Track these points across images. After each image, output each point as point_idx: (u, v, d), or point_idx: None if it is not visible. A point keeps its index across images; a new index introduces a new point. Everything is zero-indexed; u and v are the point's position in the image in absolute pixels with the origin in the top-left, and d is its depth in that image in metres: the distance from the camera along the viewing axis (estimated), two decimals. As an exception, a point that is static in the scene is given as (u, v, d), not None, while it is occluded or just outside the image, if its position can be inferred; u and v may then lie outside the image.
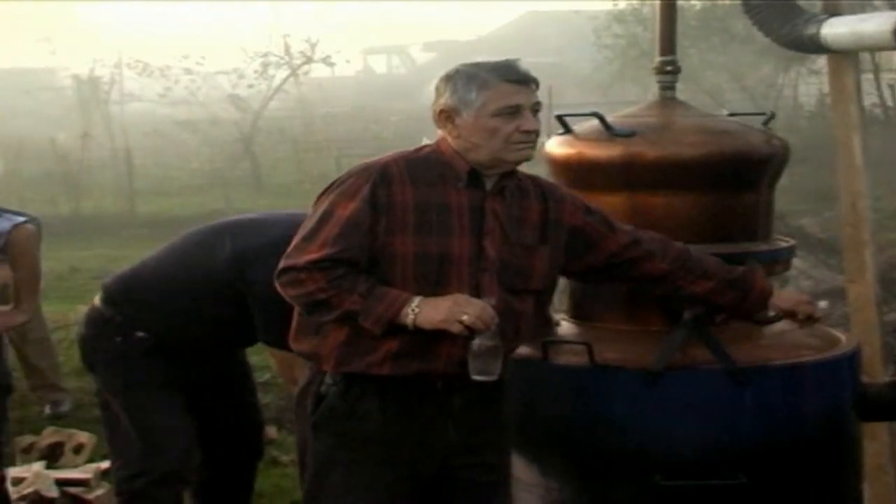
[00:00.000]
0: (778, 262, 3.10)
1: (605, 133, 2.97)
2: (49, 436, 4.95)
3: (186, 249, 3.35)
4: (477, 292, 2.52)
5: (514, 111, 2.53)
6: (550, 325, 3.06)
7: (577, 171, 3.05)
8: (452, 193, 2.56)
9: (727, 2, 16.84)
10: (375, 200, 2.50)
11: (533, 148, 2.58)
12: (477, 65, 2.61)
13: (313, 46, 18.38)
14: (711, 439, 2.83)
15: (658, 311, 2.92)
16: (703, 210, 2.97)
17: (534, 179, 2.72)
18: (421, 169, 2.57)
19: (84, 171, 15.04)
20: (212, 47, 20.83)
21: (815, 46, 3.84)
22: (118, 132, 16.64)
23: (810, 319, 2.85)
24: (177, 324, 3.31)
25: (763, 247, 3.04)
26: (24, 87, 20.32)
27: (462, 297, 2.47)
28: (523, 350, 2.97)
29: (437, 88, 2.61)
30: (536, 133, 2.56)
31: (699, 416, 2.83)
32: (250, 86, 18.37)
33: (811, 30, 3.80)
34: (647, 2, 17.59)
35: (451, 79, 2.58)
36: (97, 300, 3.42)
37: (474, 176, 2.57)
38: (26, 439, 4.95)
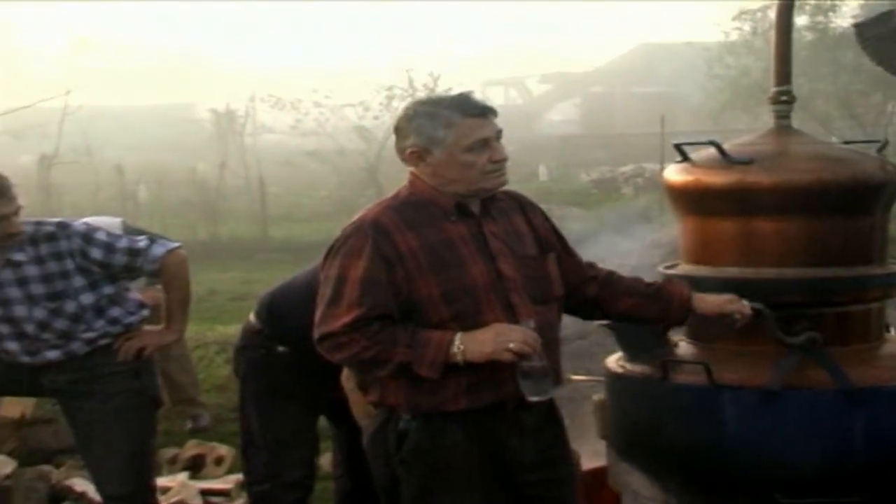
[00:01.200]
0: (894, 285, 3.12)
1: (722, 160, 3.03)
2: (192, 448, 5.18)
3: (319, 268, 3.54)
4: (512, 312, 2.56)
5: (484, 144, 2.59)
6: (668, 345, 3.17)
7: (694, 197, 3.13)
8: (449, 227, 2.60)
9: (837, 31, 16.61)
10: (382, 253, 2.52)
11: (504, 174, 2.64)
12: (432, 102, 2.67)
13: (435, 80, 18.67)
14: (829, 458, 2.87)
15: (774, 333, 2.96)
16: (819, 235, 3.00)
17: (508, 194, 2.76)
18: (410, 214, 2.59)
19: (221, 199, 15.70)
20: (339, 81, 21.39)
21: (929, 74, 3.85)
22: (252, 162, 17.22)
23: (743, 318, 2.83)
24: (310, 339, 3.49)
25: (878, 270, 3.07)
26: (167, 121, 21.17)
27: (503, 326, 2.51)
28: (644, 370, 3.08)
29: (400, 129, 2.64)
30: (506, 160, 2.64)
31: (816, 435, 2.87)
32: (375, 117, 18.71)
33: (925, 58, 3.81)
34: (758, 27, 17.45)
35: (412, 119, 2.61)
36: (252, 313, 3.63)
37: (462, 206, 2.63)
38: (171, 451, 5.19)
